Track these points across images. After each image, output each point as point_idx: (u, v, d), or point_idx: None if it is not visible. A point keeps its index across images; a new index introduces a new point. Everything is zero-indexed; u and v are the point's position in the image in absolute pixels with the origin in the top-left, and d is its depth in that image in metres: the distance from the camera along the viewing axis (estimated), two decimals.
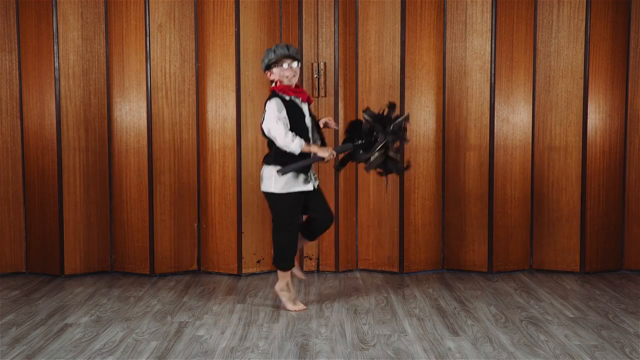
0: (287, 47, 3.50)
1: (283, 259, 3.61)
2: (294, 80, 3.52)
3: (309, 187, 3.54)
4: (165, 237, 4.46)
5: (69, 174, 4.38)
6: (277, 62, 3.50)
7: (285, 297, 3.63)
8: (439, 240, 4.58)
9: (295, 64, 3.51)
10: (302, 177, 3.51)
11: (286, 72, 3.49)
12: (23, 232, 4.51)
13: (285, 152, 3.45)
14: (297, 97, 3.52)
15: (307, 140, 3.49)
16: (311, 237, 3.76)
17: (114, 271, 4.54)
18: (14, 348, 3.01)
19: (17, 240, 4.50)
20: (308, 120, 3.55)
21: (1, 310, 3.63)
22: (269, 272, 4.53)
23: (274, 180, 3.49)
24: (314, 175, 3.61)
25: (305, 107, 3.55)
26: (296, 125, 3.47)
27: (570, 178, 4.45)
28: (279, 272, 3.64)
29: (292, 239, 3.59)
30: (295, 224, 3.58)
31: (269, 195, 3.55)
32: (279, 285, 3.65)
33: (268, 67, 3.54)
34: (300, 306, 3.61)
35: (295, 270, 3.74)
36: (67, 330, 3.27)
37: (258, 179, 4.43)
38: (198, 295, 3.96)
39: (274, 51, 3.49)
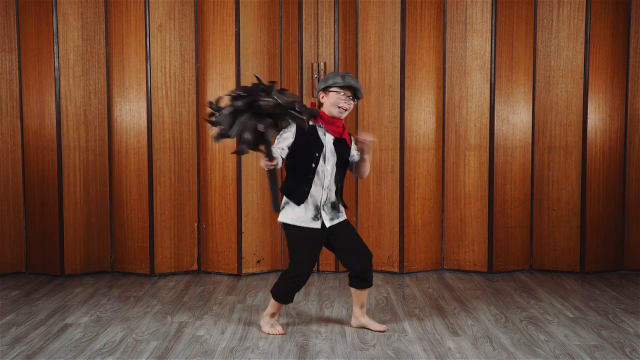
0: (355, 79, 3.20)
1: (282, 291, 3.23)
2: (344, 115, 3.18)
3: (317, 225, 3.16)
4: (165, 237, 4.46)
5: (69, 174, 4.38)
6: (339, 88, 3.13)
7: (265, 321, 3.27)
8: (439, 240, 4.58)
9: (354, 100, 3.18)
10: (310, 212, 3.15)
11: (337, 101, 3.13)
12: (23, 232, 4.51)
13: (289, 176, 3.20)
14: (326, 127, 3.16)
15: (311, 172, 3.12)
16: (355, 283, 3.28)
17: (114, 271, 4.54)
18: (14, 348, 3.01)
19: (17, 240, 4.50)
20: (329, 154, 3.15)
21: (1, 310, 3.63)
22: (269, 272, 4.53)
23: (284, 209, 3.20)
24: (330, 211, 3.20)
25: (329, 140, 3.16)
26: (305, 152, 3.13)
27: (570, 178, 4.45)
28: (271, 300, 3.27)
29: (297, 277, 3.19)
30: (305, 262, 3.18)
31: (282, 225, 3.25)
32: (266, 310, 3.29)
33: (326, 89, 3.17)
34: (278, 329, 3.23)
35: (372, 323, 3.31)
36: (67, 330, 3.26)
37: (258, 178, 4.44)
38: (198, 295, 3.96)
39: (343, 77, 3.15)
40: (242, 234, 4.44)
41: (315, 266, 4.52)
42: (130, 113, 4.41)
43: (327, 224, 3.20)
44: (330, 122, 3.17)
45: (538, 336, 3.15)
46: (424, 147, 4.45)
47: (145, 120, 4.38)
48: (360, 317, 3.32)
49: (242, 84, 4.35)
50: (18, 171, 4.48)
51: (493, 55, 4.38)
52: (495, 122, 4.41)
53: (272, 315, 3.28)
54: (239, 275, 4.45)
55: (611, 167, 4.45)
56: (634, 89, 4.44)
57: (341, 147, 3.21)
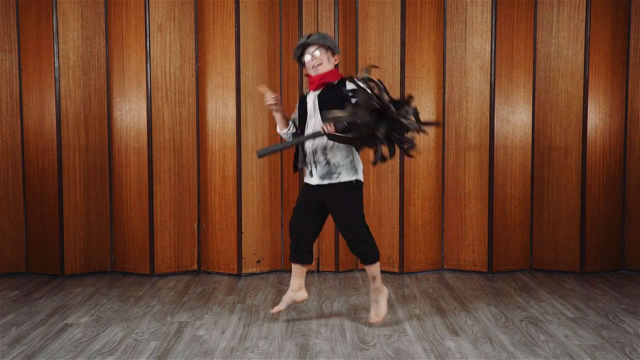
0: (309, 35, 3.23)
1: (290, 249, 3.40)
2: (322, 69, 3.20)
3: (311, 180, 3.25)
4: (165, 237, 4.46)
5: (69, 174, 4.38)
6: (302, 55, 3.25)
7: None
8: (439, 240, 4.58)
9: (318, 52, 3.19)
10: (307, 168, 3.26)
11: (308, 63, 3.24)
12: (23, 232, 4.51)
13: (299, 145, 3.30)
14: (309, 89, 3.27)
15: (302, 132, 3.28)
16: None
17: (114, 271, 4.54)
18: (14, 348, 3.01)
19: (17, 240, 4.50)
20: (311, 113, 3.22)
21: (1, 310, 3.63)
22: (269, 272, 4.53)
23: None
24: (322, 168, 3.20)
25: (311, 97, 3.24)
26: (301, 119, 3.29)
27: (570, 178, 4.45)
28: None
29: (290, 227, 3.35)
30: (296, 215, 3.32)
31: None
32: None
33: (301, 64, 3.31)
34: (275, 309, 3.39)
35: (372, 310, 3.35)
36: (67, 330, 3.26)
37: (258, 178, 4.45)
38: (198, 295, 3.96)
39: (297, 44, 3.25)
40: (242, 234, 4.44)
41: (315, 266, 4.52)
42: (130, 113, 4.41)
43: (315, 182, 3.24)
44: (310, 82, 3.25)
45: (538, 336, 3.15)
46: (424, 147, 4.45)
47: (145, 120, 4.38)
48: (370, 292, 3.37)
49: (243, 83, 4.35)
50: (18, 171, 4.48)
51: (493, 55, 4.38)
52: (495, 122, 4.41)
53: (293, 286, 3.37)
54: (239, 275, 4.45)
55: (611, 167, 4.45)
56: (634, 89, 4.44)
57: (327, 97, 3.17)
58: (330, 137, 3.06)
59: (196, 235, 4.55)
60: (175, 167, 4.46)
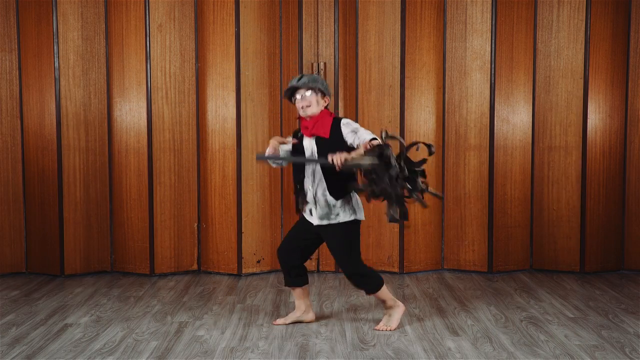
0: (300, 77, 3.21)
1: None
2: (310, 111, 3.18)
3: (311, 219, 3.25)
4: (165, 237, 4.46)
5: (69, 174, 4.38)
6: (293, 96, 3.25)
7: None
8: (438, 240, 4.58)
9: (307, 93, 3.18)
10: (309, 207, 3.25)
11: (298, 104, 3.21)
12: (23, 232, 4.51)
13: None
14: (302, 132, 3.25)
15: (299, 180, 3.25)
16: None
17: (114, 271, 4.54)
18: (14, 348, 3.01)
19: (17, 240, 4.50)
20: (309, 156, 3.23)
21: (1, 310, 3.63)
22: (269, 272, 4.53)
23: None
24: (322, 209, 3.21)
25: (307, 143, 3.23)
26: (296, 163, 3.28)
27: (570, 178, 4.45)
28: None
29: (279, 253, 3.34)
30: (286, 243, 3.33)
31: None
32: None
33: (293, 102, 3.30)
34: (278, 321, 3.37)
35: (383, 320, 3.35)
36: (67, 330, 3.26)
37: (258, 178, 4.45)
38: (198, 295, 3.96)
39: (289, 86, 3.23)
40: (242, 234, 4.44)
41: (315, 266, 4.52)
42: (130, 113, 4.41)
43: (315, 222, 3.24)
44: (304, 127, 3.23)
45: (538, 336, 3.15)
46: (423, 147, 4.43)
47: (145, 120, 4.38)
48: (384, 310, 3.36)
49: (243, 83, 4.35)
50: (18, 171, 4.48)
51: (493, 55, 4.38)
52: (495, 122, 4.41)
53: (300, 307, 3.36)
54: (239, 275, 4.45)
55: (611, 167, 4.45)
56: (634, 89, 4.44)
57: (324, 143, 3.17)
58: (337, 168, 3.01)
59: (196, 235, 4.55)
60: (175, 167, 4.46)
